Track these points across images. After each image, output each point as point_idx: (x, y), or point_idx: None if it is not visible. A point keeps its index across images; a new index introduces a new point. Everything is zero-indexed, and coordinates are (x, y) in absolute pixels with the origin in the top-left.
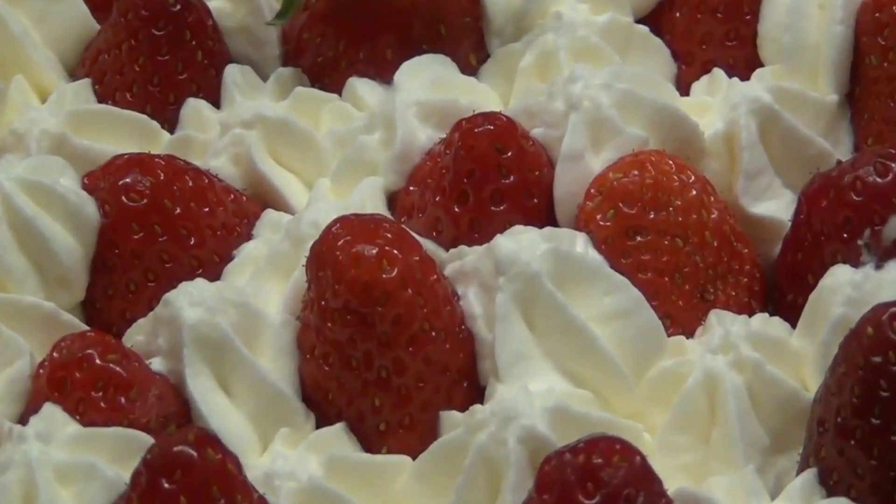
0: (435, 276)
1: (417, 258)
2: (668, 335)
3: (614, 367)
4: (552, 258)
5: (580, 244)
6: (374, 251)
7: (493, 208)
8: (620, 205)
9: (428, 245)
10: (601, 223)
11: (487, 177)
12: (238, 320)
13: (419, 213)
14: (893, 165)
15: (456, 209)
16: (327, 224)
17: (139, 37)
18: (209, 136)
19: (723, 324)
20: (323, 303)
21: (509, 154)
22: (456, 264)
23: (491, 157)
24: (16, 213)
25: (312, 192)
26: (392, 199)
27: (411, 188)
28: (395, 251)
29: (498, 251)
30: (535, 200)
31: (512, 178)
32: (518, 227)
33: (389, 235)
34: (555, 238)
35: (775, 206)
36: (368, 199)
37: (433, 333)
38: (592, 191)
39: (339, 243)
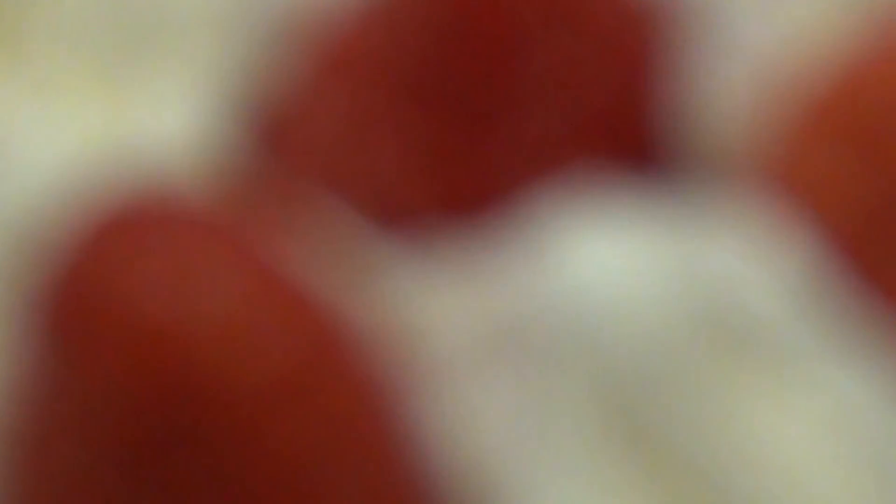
0: (352, 354)
1: (310, 305)
2: None
3: None
4: (689, 303)
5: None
6: (186, 284)
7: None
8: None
9: (344, 253)
10: (825, 196)
11: (500, 58)
12: None
13: (327, 157)
14: None
15: (424, 142)
16: (60, 205)
17: None
18: None
19: None
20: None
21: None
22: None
23: (506, 8)
24: None
25: (19, 106)
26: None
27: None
28: (253, 278)
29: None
30: (628, 125)
31: (565, 47)
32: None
33: (234, 234)
34: (693, 242)
35: None
36: (172, 122)
37: None
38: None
39: (90, 264)
